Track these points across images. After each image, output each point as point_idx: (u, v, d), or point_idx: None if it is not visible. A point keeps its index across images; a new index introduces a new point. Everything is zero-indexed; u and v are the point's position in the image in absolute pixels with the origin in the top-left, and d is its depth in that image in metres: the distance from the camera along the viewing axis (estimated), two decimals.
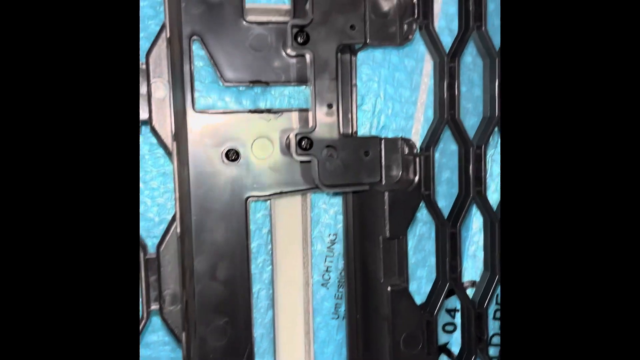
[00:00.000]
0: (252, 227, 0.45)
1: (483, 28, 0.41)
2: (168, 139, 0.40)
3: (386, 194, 0.39)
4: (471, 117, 0.48)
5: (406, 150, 0.41)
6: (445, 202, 0.48)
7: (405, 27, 0.39)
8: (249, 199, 0.43)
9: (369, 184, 0.41)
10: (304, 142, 0.40)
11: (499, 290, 0.46)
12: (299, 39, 0.39)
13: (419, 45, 0.46)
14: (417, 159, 0.40)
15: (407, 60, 0.47)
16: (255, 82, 0.42)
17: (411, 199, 0.39)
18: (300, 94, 0.45)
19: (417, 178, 0.40)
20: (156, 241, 0.42)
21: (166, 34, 0.38)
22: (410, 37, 0.39)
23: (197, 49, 0.42)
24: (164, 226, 0.43)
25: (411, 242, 0.48)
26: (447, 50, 0.41)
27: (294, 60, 0.43)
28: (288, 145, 0.42)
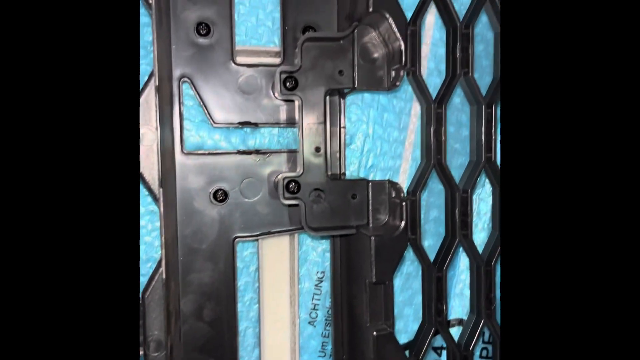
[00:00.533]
0: (239, 265, 0.45)
1: (470, 74, 0.41)
2: (155, 185, 0.40)
3: (372, 239, 0.39)
4: (459, 157, 0.48)
5: (393, 194, 0.42)
6: (432, 241, 0.48)
7: (393, 73, 0.40)
8: (237, 239, 0.43)
9: (356, 227, 0.41)
10: (291, 185, 0.40)
11: (485, 332, 0.46)
12: (287, 84, 0.39)
13: (407, 86, 0.47)
14: (404, 204, 0.40)
15: (396, 101, 0.47)
16: (244, 124, 0.43)
17: (397, 243, 0.40)
18: (289, 133, 0.45)
19: (403, 223, 0.40)
20: (144, 280, 0.42)
21: (155, 80, 0.38)
22: (397, 83, 0.40)
23: (186, 88, 0.42)
24: (151, 264, 0.43)
25: (398, 281, 0.48)
26: (434, 96, 0.42)
27: (283, 102, 0.43)
28: (276, 186, 0.42)
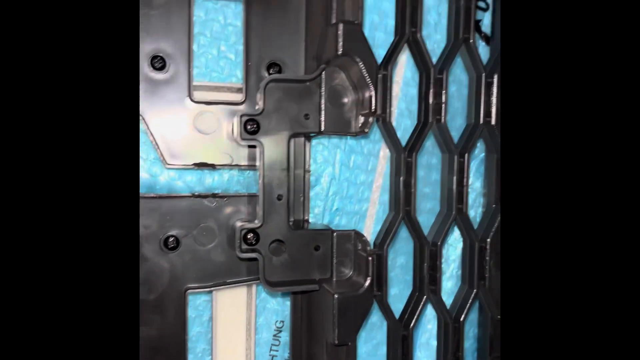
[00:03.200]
0: (191, 314, 0.42)
1: (442, 121, 0.39)
2: None
3: (335, 297, 0.36)
4: (428, 201, 0.46)
5: (359, 246, 0.39)
6: (398, 290, 0.46)
7: (362, 118, 0.37)
8: (189, 291, 0.40)
9: (318, 281, 0.38)
10: (250, 236, 0.37)
11: None
12: (248, 128, 0.36)
13: (376, 127, 0.44)
14: (370, 259, 0.37)
15: (364, 142, 0.45)
16: (200, 165, 0.39)
17: (363, 302, 0.37)
18: (250, 173, 0.42)
19: (369, 280, 0.37)
20: None
21: None
22: (366, 130, 0.37)
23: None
24: None
25: (362, 331, 0.46)
26: (404, 144, 0.39)
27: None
28: (234, 235, 0.39)
